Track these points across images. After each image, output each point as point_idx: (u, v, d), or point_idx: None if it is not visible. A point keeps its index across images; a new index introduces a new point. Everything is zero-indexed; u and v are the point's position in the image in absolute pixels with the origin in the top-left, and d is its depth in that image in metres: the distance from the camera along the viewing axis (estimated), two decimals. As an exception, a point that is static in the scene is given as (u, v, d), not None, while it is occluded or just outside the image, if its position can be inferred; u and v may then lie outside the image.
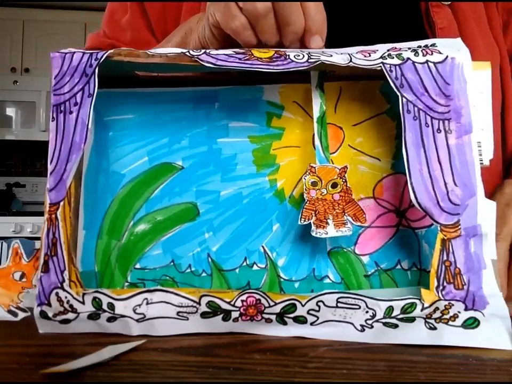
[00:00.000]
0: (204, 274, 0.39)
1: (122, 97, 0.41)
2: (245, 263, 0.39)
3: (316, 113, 0.39)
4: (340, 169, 0.37)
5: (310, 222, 0.36)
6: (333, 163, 0.39)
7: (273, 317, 0.33)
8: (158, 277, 0.39)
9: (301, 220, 0.36)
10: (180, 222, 0.40)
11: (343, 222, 0.36)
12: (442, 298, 0.32)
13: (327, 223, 0.36)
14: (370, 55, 0.35)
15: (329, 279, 0.39)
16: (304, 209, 0.37)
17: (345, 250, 0.39)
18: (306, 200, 0.37)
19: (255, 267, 0.39)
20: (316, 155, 0.38)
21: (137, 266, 0.39)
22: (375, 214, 0.39)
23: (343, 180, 0.37)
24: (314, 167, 0.37)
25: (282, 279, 0.39)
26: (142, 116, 0.41)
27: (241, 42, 0.40)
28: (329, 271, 0.39)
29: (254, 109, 0.41)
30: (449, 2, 0.56)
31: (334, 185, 0.37)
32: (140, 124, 0.41)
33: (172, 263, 0.39)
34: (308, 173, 0.37)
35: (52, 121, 0.35)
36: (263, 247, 0.40)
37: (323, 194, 0.37)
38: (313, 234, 0.36)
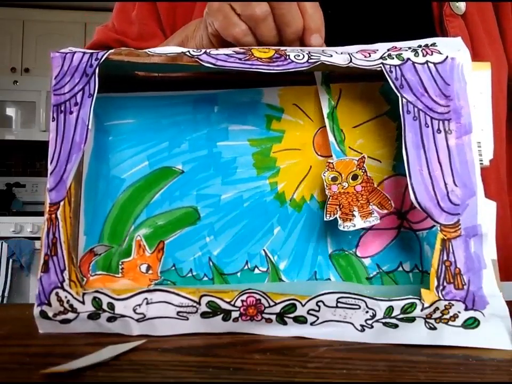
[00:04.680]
0: (205, 278, 0.39)
1: (121, 101, 0.40)
2: (246, 267, 0.39)
3: (326, 109, 0.39)
4: (358, 160, 0.37)
5: (335, 217, 0.36)
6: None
7: (273, 317, 0.33)
8: (159, 281, 0.39)
9: (326, 215, 0.36)
10: (180, 226, 0.40)
11: (369, 212, 0.36)
12: (442, 298, 0.32)
13: (353, 215, 0.36)
14: (370, 55, 0.35)
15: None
16: (328, 205, 0.36)
17: (346, 253, 0.39)
18: (329, 196, 0.37)
19: (256, 271, 0.39)
20: (331, 150, 0.38)
21: (138, 269, 0.39)
22: None
23: (363, 170, 0.37)
24: (332, 163, 0.37)
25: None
26: (141, 120, 0.41)
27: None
28: (331, 274, 0.39)
29: (254, 111, 0.40)
30: (462, 12, 0.57)
31: (355, 177, 0.37)
32: (139, 128, 0.40)
33: (173, 268, 0.39)
34: (326, 169, 0.37)
35: (52, 121, 0.35)
36: (264, 250, 0.39)
37: (345, 187, 0.37)
38: (341, 228, 0.36)
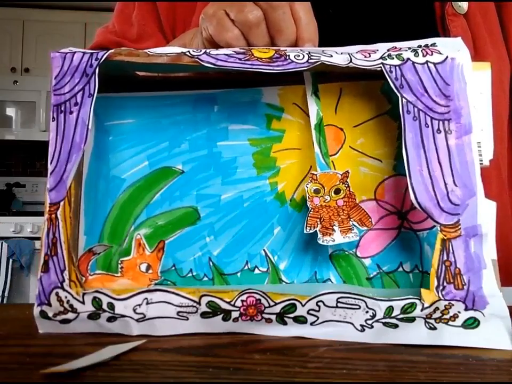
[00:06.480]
0: (205, 278, 0.39)
1: (121, 101, 0.40)
2: (246, 267, 0.39)
3: (313, 120, 0.39)
4: (341, 175, 0.37)
5: (315, 230, 0.36)
6: (334, 167, 0.38)
7: (273, 317, 0.33)
8: (159, 281, 0.39)
9: (306, 228, 0.36)
10: (180, 226, 0.40)
11: (349, 227, 0.36)
12: (442, 298, 0.32)
13: (333, 230, 0.36)
14: (370, 55, 0.35)
15: (331, 282, 0.39)
16: (309, 218, 0.36)
17: (347, 253, 0.39)
18: (310, 209, 0.37)
19: (256, 271, 0.39)
20: (316, 162, 0.38)
21: (138, 268, 0.39)
22: (376, 216, 0.39)
23: (346, 185, 0.37)
24: (316, 174, 0.37)
25: (284, 283, 0.39)
26: (141, 120, 0.41)
27: None
28: (331, 274, 0.39)
29: (254, 111, 0.40)
30: (464, 12, 0.57)
31: (337, 191, 0.37)
32: (139, 128, 0.40)
33: (173, 268, 0.39)
34: (309, 181, 0.37)
35: (52, 121, 0.35)
36: (264, 250, 0.39)
37: (327, 201, 0.37)
38: (320, 242, 0.36)
